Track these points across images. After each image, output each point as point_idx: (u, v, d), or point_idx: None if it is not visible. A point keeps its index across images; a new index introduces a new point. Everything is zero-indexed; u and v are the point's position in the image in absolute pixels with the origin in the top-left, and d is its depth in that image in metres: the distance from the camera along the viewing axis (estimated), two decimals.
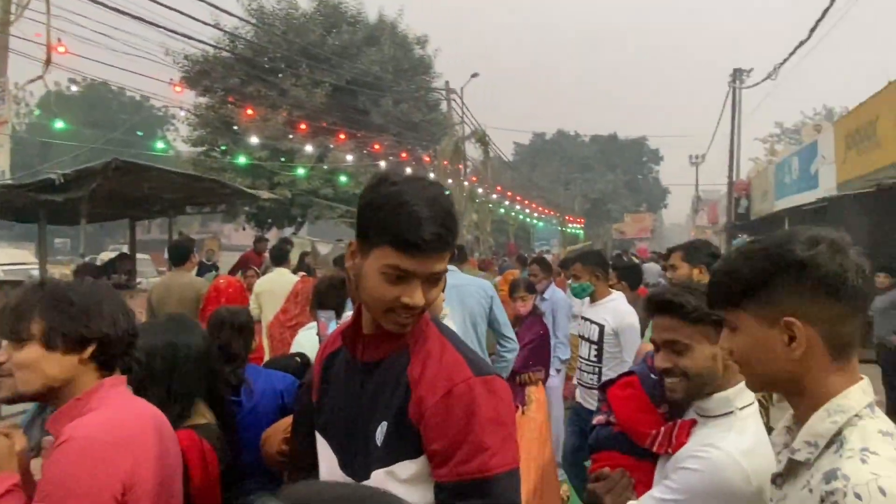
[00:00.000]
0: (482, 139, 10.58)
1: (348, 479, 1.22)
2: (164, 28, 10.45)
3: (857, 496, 0.90)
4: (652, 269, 12.95)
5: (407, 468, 1.16)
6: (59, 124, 13.81)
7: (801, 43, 11.91)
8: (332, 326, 3.00)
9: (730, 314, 1.08)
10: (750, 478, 1.32)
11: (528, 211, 31.68)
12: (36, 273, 13.33)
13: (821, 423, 1.02)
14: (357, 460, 1.22)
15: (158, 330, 1.94)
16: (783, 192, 15.77)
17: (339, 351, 1.34)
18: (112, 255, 14.89)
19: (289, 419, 2.20)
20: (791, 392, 1.08)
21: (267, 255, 7.79)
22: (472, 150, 15.03)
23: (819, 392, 1.03)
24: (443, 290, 1.65)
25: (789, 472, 1.07)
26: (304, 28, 18.28)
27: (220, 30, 15.14)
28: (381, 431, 1.18)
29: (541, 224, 35.09)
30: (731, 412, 1.45)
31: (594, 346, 3.67)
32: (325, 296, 3.23)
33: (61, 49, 7.75)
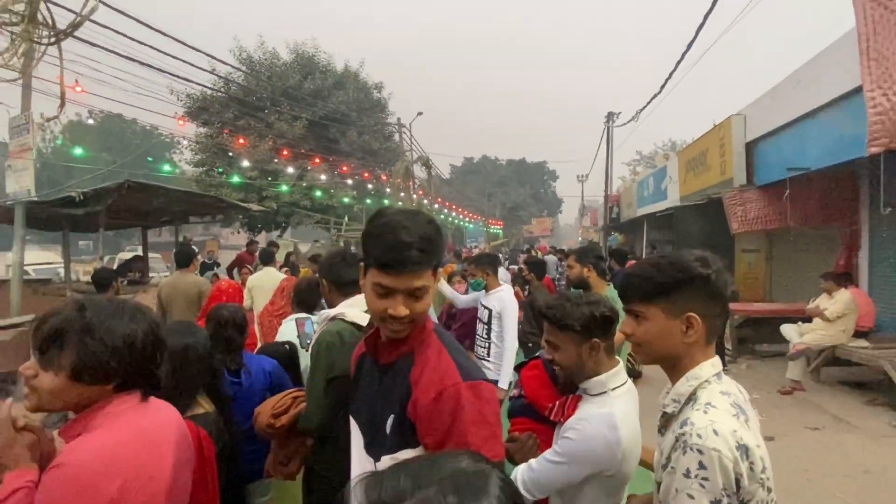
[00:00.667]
0: (426, 163, 10.54)
1: (371, 459, 1.16)
2: (169, 73, 9.76)
3: (699, 436, 0.96)
4: (551, 261, 13.25)
5: (408, 455, 1.10)
6: (78, 150, 12.69)
7: (655, 95, 12.44)
8: (309, 326, 2.89)
9: (640, 306, 1.12)
10: (613, 445, 1.33)
11: (461, 217, 31.83)
12: (62, 272, 12.29)
13: (682, 386, 1.09)
14: (375, 444, 1.16)
15: (170, 334, 1.79)
16: (643, 202, 16.48)
17: (367, 353, 1.27)
18: (128, 255, 13.91)
19: (274, 399, 2.06)
20: (671, 366, 1.13)
21: (257, 255, 7.44)
22: (419, 171, 14.97)
23: (690, 366, 1.09)
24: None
25: (664, 423, 1.12)
26: (285, 74, 17.57)
27: (216, 75, 14.36)
28: (390, 422, 1.13)
29: (471, 226, 35.38)
30: (605, 392, 1.45)
31: (485, 326, 3.61)
32: (305, 294, 3.10)
33: (78, 89, 7.11)
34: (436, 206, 21.46)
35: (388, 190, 19.12)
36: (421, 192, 19.23)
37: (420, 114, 22.31)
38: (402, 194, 13.18)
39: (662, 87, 11.59)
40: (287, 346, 2.74)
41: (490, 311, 3.57)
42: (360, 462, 1.20)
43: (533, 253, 16.10)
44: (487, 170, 52.69)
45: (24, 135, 6.82)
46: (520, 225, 44.83)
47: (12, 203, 6.63)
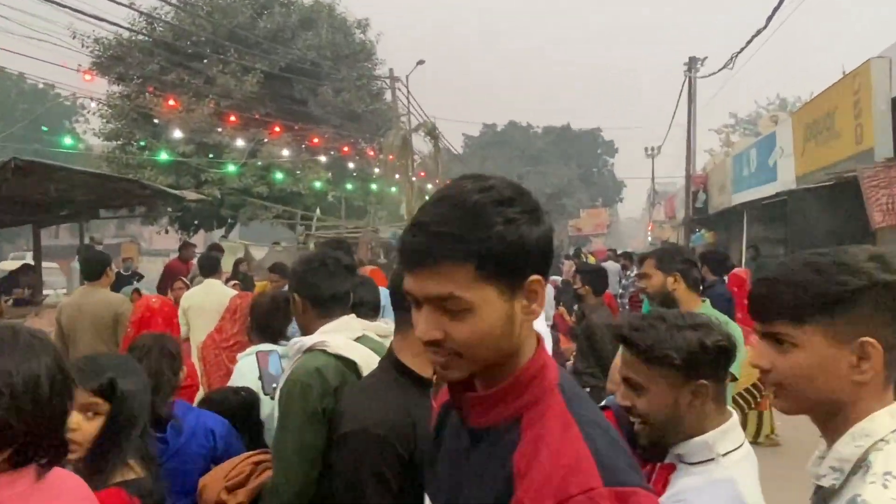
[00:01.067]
0: (431, 132, 10.52)
1: None
2: (71, 8, 9.89)
3: None
4: (612, 269, 13.11)
5: None
6: None
7: (759, 32, 12.38)
8: (275, 362, 2.85)
9: (787, 328, 1.06)
10: None
11: None
12: None
13: (846, 446, 1.04)
14: None
15: (100, 371, 1.76)
16: (741, 185, 16.33)
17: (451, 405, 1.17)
18: (14, 264, 14.02)
19: (227, 466, 2.08)
20: (829, 416, 1.08)
21: (195, 263, 7.44)
22: (420, 143, 14.97)
23: (859, 416, 1.05)
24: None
25: (820, 500, 1.08)
26: (232, 9, 17.74)
27: (136, 10, 14.54)
28: None
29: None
30: (713, 459, 1.39)
31: None
32: (267, 316, 3.07)
33: None
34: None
35: (376, 170, 19.23)
36: (423, 174, 19.28)
37: (421, 62, 22.42)
38: (397, 176, 13.21)
39: (769, 20, 11.53)
40: (243, 393, 2.73)
41: None
42: None
43: (583, 258, 16.00)
44: (517, 140, 52.77)
45: None
46: (563, 219, 44.69)
47: None
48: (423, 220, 0.95)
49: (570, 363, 5.57)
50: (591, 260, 15.71)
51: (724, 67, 14.68)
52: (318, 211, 16.64)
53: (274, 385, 2.50)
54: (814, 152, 10.71)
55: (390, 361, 1.69)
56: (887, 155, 8.27)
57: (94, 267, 5.34)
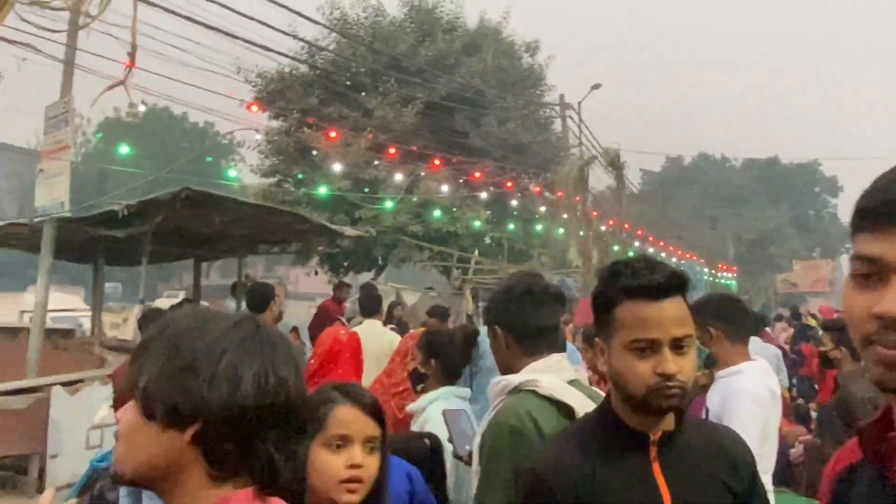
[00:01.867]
0: (614, 162, 10.20)
1: None
2: (237, 37, 11.10)
3: None
4: None
5: None
6: (123, 149, 14.98)
7: None
8: (466, 421, 2.78)
9: None
10: None
11: (663, 254, 30.67)
12: (84, 323, 14.40)
13: None
14: None
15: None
16: None
17: (859, 465, 1.10)
18: (169, 301, 15.77)
19: None
20: None
21: (357, 303, 7.76)
22: (593, 178, 14.66)
23: None
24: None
25: None
26: (395, 37, 18.97)
27: (300, 39, 15.99)
28: None
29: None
30: None
31: None
32: (456, 356, 3.07)
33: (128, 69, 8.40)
34: (622, 234, 20.91)
35: (542, 208, 19.19)
36: (596, 213, 18.91)
37: (596, 87, 22.36)
38: (565, 215, 13.00)
39: None
40: (428, 440, 2.74)
41: (707, 411, 2.98)
42: None
43: (802, 319, 14.66)
44: (708, 176, 50.70)
45: (62, 128, 8.25)
46: (770, 271, 41.65)
47: (41, 220, 7.96)
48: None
49: (794, 450, 5.02)
50: (813, 323, 14.62)
51: None
52: (475, 253, 16.86)
53: (468, 447, 2.46)
54: None
55: (601, 411, 1.68)
56: None
57: (257, 298, 5.81)
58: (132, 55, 3.20)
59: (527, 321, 2.13)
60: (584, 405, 1.96)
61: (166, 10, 8.43)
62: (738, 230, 45.35)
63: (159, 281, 40.49)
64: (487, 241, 19.09)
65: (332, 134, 13.44)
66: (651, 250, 27.14)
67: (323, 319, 9.75)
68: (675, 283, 1.55)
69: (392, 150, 14.36)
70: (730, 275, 38.31)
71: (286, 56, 15.62)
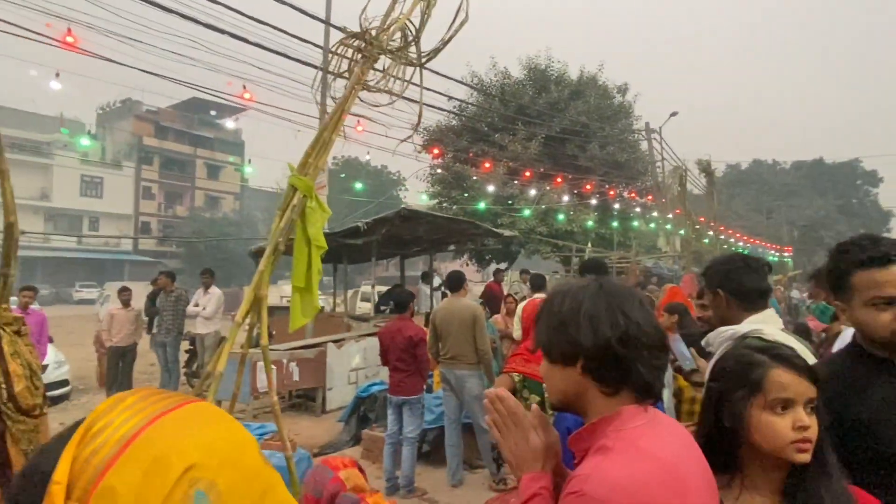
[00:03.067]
0: (707, 168, 9.61)
1: None
2: (427, 104, 11.47)
3: None
4: None
5: None
6: (358, 185, 15.90)
7: None
8: (680, 343, 2.76)
9: None
10: None
11: (732, 241, 28.34)
12: (321, 303, 15.56)
13: None
14: None
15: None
16: None
17: None
18: (366, 288, 16.74)
19: None
20: None
21: (529, 282, 7.72)
22: (690, 182, 13.82)
23: None
24: None
25: None
26: (519, 91, 18.90)
27: (456, 99, 16.37)
28: None
29: (746, 253, 31.05)
30: None
31: None
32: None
33: (360, 128, 9.03)
34: (698, 226, 19.64)
35: (637, 210, 18.41)
36: (679, 210, 17.89)
37: (674, 114, 21.08)
38: (677, 212, 12.30)
39: None
40: None
41: None
42: None
43: None
44: (763, 177, 46.18)
45: (322, 174, 8.98)
46: (823, 251, 37.25)
47: None
48: None
49: None
50: None
51: None
52: (588, 245, 16.45)
53: (688, 362, 2.39)
54: None
55: (852, 348, 1.58)
56: None
57: (455, 282, 5.97)
58: (419, 118, 3.36)
59: (745, 284, 2.01)
60: (800, 349, 1.89)
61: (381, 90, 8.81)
62: (792, 218, 40.95)
63: (357, 274, 42.73)
64: (594, 235, 18.54)
65: (487, 165, 13.59)
66: (723, 238, 25.17)
67: (490, 294, 9.96)
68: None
69: (528, 174, 14.29)
70: (787, 254, 34.70)
71: (444, 110, 15.99)
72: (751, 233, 33.43)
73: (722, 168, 47.85)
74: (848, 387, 1.49)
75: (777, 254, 32.82)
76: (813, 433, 1.20)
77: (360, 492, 1.89)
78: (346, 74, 2.99)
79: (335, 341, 7.56)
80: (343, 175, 32.59)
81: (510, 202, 16.71)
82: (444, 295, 11.84)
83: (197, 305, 8.12)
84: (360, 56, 2.86)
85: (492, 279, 11.30)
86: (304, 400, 7.52)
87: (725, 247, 27.74)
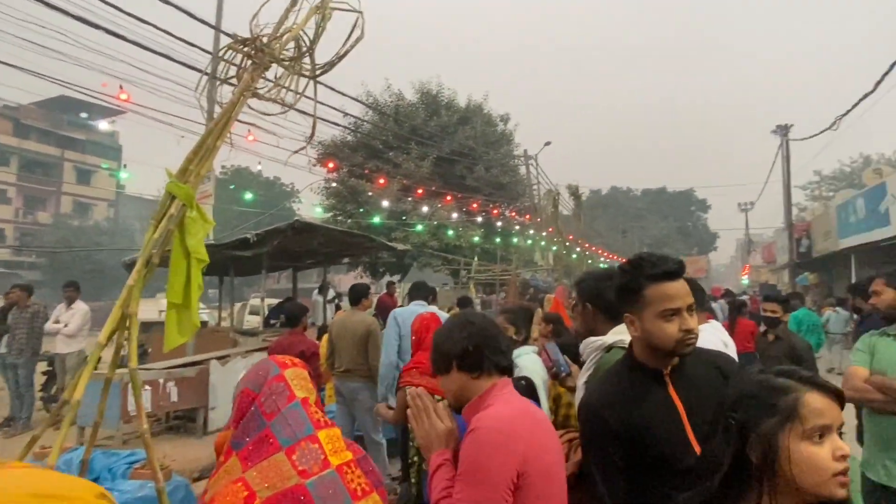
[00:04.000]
0: (575, 192, 10.38)
1: None
2: (322, 119, 11.08)
3: None
4: (720, 307, 11.48)
5: None
6: (248, 195, 14.87)
7: (865, 96, 11.00)
8: (555, 350, 2.80)
9: None
10: None
11: (595, 255, 30.82)
12: (205, 318, 14.29)
13: None
14: None
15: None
16: (847, 231, 14.46)
17: None
18: (255, 301, 15.75)
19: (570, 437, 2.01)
20: None
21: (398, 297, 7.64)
22: (557, 203, 14.83)
23: None
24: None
25: None
26: (412, 113, 19.06)
27: (350, 115, 16.10)
28: None
29: (605, 267, 34.00)
30: None
31: None
32: (525, 320, 3.12)
33: (251, 138, 8.44)
34: (566, 244, 21.14)
35: (517, 228, 19.34)
36: (552, 229, 19.12)
37: (548, 143, 22.54)
38: (544, 233, 13.07)
39: (877, 84, 10.22)
40: (523, 381, 2.71)
41: None
42: None
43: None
44: (619, 202, 50.97)
45: (207, 182, 8.23)
46: None
47: None
48: None
49: None
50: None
51: (828, 128, 13.11)
52: (475, 259, 16.90)
53: (563, 367, 2.40)
54: None
55: (627, 359, 1.66)
56: None
57: (355, 296, 5.76)
58: (313, 130, 3.17)
59: (611, 298, 2.02)
60: None
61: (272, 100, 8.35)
62: (641, 237, 45.66)
63: (245, 287, 39.95)
64: (480, 250, 19.12)
65: (382, 181, 13.44)
66: (587, 254, 27.27)
67: (383, 307, 9.76)
68: (681, 268, 1.53)
69: (420, 191, 14.36)
70: None
71: (339, 126, 15.63)
72: (610, 249, 36.67)
73: (586, 192, 52.32)
74: (630, 397, 1.52)
75: None
76: (849, 465, 1.01)
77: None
78: (234, 80, 2.74)
79: (219, 358, 6.90)
80: (233, 186, 30.40)
81: (403, 217, 16.68)
82: (337, 307, 11.48)
83: (58, 322, 7.00)
84: (249, 62, 2.63)
85: (385, 291, 11.14)
86: (184, 421, 6.75)
87: (590, 262, 30.22)
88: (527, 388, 2.66)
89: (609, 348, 1.99)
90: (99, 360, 2.29)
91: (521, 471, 1.31)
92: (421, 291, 6.60)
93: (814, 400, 1.02)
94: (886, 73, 9.83)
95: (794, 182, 20.56)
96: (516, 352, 3.17)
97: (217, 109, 2.78)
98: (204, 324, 10.93)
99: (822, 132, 14.37)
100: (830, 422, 1.01)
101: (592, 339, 2.09)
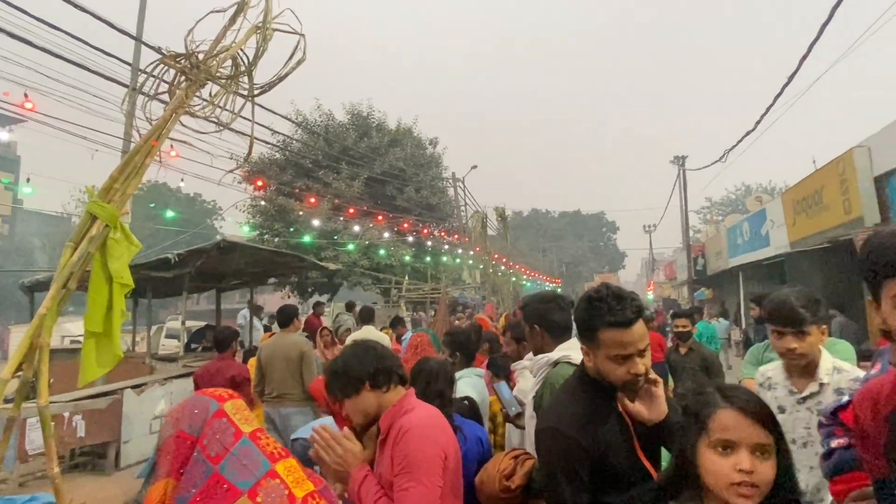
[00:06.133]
0: (502, 214, 10.72)
1: None
2: (243, 133, 10.60)
3: None
4: None
5: None
6: (169, 213, 13.76)
7: (748, 133, 12.35)
8: (506, 390, 2.77)
9: None
10: None
11: (519, 273, 31.78)
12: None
13: None
14: None
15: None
16: (736, 251, 15.97)
17: None
18: (174, 323, 14.55)
19: (496, 460, 2.02)
20: None
21: (357, 314, 7.33)
22: (486, 224, 15.19)
23: None
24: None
25: None
26: (343, 134, 18.81)
27: (278, 133, 15.56)
28: None
29: (528, 284, 35.12)
30: None
31: None
32: (468, 344, 3.12)
33: (174, 153, 7.89)
34: (493, 262, 21.68)
35: (446, 247, 19.54)
36: (478, 248, 19.54)
37: (474, 167, 23.17)
38: (477, 249, 13.27)
39: (757, 123, 11.53)
40: (466, 401, 2.71)
41: None
42: None
43: None
44: (539, 223, 53.08)
45: None
46: (581, 281, 44.09)
47: None
48: None
49: None
50: None
51: (718, 160, 14.58)
52: (406, 278, 16.80)
53: (514, 408, 2.42)
54: (805, 222, 10.41)
55: (581, 378, 1.65)
56: (875, 221, 8.03)
57: (285, 318, 5.51)
58: (250, 150, 3.03)
59: (556, 321, 2.19)
60: None
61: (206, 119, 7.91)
62: (559, 256, 47.79)
63: (160, 309, 36.95)
64: (410, 269, 19.06)
65: (312, 200, 13.04)
66: (512, 272, 28.06)
67: (310, 328, 9.39)
68: (639, 313, 1.49)
69: (351, 211, 14.11)
70: (557, 284, 40.20)
71: (266, 142, 15.05)
72: (532, 268, 38.01)
73: (510, 214, 54.11)
74: (593, 417, 1.54)
75: (550, 284, 37.84)
76: (760, 479, 1.06)
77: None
78: (165, 96, 2.56)
79: (135, 387, 6.29)
80: (153, 205, 28.27)
81: (334, 237, 16.28)
82: (266, 329, 10.87)
83: None
84: (183, 79, 2.48)
85: (311, 312, 10.75)
86: (92, 458, 6.06)
87: (514, 279, 31.15)
88: (469, 409, 2.68)
89: (555, 363, 2.07)
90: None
91: (444, 457, 1.62)
92: (370, 314, 6.46)
93: (724, 416, 1.10)
94: (764, 115, 11.10)
95: (690, 207, 22.64)
96: (458, 374, 3.17)
97: (144, 125, 2.59)
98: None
99: (713, 163, 15.93)
100: (736, 438, 1.08)
101: (541, 356, 2.17)
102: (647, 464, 1.52)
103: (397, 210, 17.80)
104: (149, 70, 2.66)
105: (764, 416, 1.10)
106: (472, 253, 18.28)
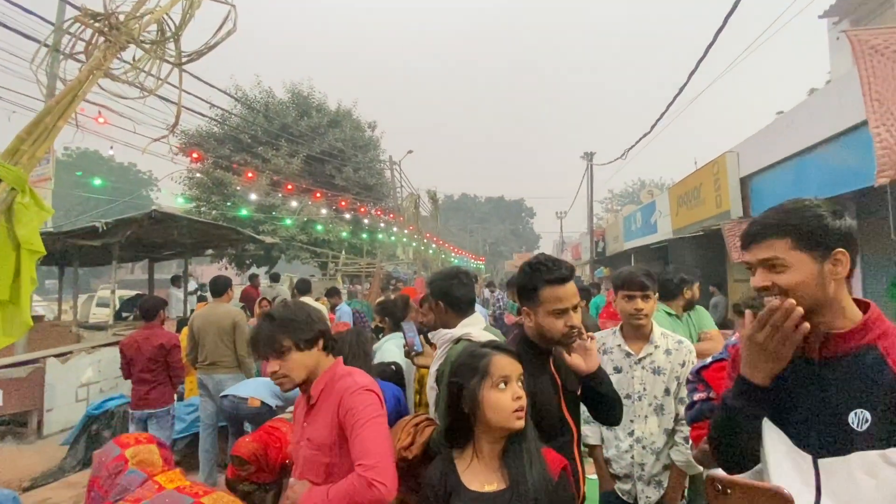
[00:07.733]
0: (433, 197, 10.68)
1: (807, 456, 0.99)
2: (173, 102, 9.67)
3: None
4: None
5: None
6: (97, 181, 12.25)
7: (644, 135, 13.14)
8: (413, 334, 2.78)
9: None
10: None
11: (449, 252, 32.07)
12: (41, 311, 11.65)
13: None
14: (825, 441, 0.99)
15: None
16: (630, 236, 17.03)
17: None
18: (105, 293, 13.31)
19: (399, 426, 1.98)
20: None
21: (295, 286, 6.99)
22: (415, 206, 15.10)
23: None
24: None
25: None
26: (283, 111, 17.75)
27: (218, 107, 14.38)
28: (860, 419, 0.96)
29: (456, 261, 35.62)
30: None
31: None
32: (399, 310, 3.11)
33: (101, 120, 7.02)
34: (424, 241, 21.69)
35: (382, 225, 19.23)
36: (412, 227, 19.43)
37: (410, 152, 22.83)
38: (411, 228, 13.16)
39: (652, 127, 12.29)
40: (393, 366, 2.70)
41: None
42: (792, 461, 1.01)
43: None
44: (468, 206, 53.70)
45: (44, 164, 6.68)
46: (502, 260, 45.38)
47: None
48: (756, 219, 1.06)
49: None
50: None
51: (619, 158, 15.42)
52: (342, 253, 16.39)
53: (417, 346, 2.35)
54: (686, 214, 11.26)
55: (521, 339, 1.71)
56: (739, 215, 8.88)
57: (218, 287, 5.18)
58: (177, 120, 2.74)
59: (458, 297, 2.08)
60: (497, 342, 2.04)
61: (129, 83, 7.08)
62: (484, 237, 48.78)
63: (93, 278, 33.57)
64: (347, 245, 18.62)
65: (250, 175, 12.22)
66: (442, 250, 28.27)
67: (247, 298, 8.97)
68: (571, 272, 1.60)
69: (290, 187, 13.40)
70: (480, 262, 41.06)
71: (205, 116, 13.83)
72: (460, 247, 38.53)
73: (442, 197, 54.21)
74: (530, 372, 1.55)
75: (476, 262, 38.63)
76: (524, 402, 1.30)
77: (148, 467, 1.69)
78: (82, 56, 2.24)
79: (59, 355, 5.68)
80: (80, 174, 25.31)
81: (272, 211, 15.45)
82: (200, 299, 10.20)
83: None
84: (101, 39, 2.18)
85: (249, 283, 10.24)
86: (12, 427, 5.43)
87: (443, 256, 31.44)
88: (395, 373, 2.67)
89: (457, 340, 2.00)
90: None
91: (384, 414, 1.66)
92: (307, 286, 6.22)
93: (499, 360, 1.33)
94: (658, 119, 11.85)
95: (595, 197, 23.84)
96: (386, 337, 3.15)
97: (60, 86, 2.26)
98: (38, 318, 8.90)
99: (615, 160, 16.83)
100: (510, 373, 1.31)
101: (444, 331, 2.09)
102: (569, 418, 1.63)
103: (336, 189, 17.20)
104: (65, 28, 2.31)
105: (519, 355, 1.39)
106: (406, 231, 18.16)
